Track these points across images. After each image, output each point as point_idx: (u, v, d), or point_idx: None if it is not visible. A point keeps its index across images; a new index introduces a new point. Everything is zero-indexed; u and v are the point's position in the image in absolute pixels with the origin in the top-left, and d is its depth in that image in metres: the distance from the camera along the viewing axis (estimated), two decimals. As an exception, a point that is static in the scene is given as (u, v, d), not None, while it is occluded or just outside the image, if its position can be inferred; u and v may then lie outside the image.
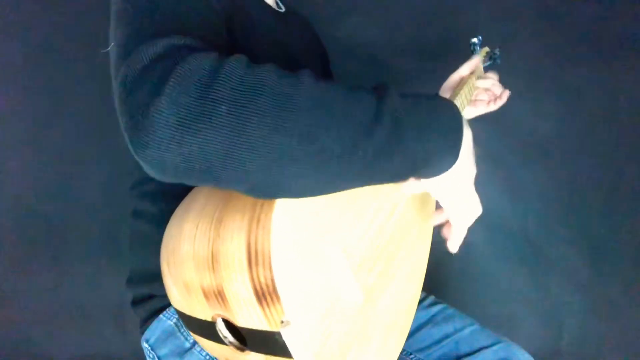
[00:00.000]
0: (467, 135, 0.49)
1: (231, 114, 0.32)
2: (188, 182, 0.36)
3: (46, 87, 1.26)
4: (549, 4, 1.23)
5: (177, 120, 0.31)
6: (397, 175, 0.44)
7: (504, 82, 0.97)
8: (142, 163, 0.34)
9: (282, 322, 0.37)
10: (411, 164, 0.43)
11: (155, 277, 0.52)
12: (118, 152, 1.25)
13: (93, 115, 1.27)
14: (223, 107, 0.32)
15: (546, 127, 1.24)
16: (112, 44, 0.41)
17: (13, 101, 1.27)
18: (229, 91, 0.33)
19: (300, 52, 0.76)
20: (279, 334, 0.37)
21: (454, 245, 0.58)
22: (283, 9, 0.79)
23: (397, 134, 0.39)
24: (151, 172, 0.35)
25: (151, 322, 0.62)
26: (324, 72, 0.93)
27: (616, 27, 1.21)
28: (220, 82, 0.33)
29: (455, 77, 0.88)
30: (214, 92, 0.32)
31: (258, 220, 0.38)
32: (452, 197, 0.53)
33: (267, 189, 0.36)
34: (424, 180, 0.50)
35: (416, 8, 1.26)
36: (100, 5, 1.25)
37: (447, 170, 0.48)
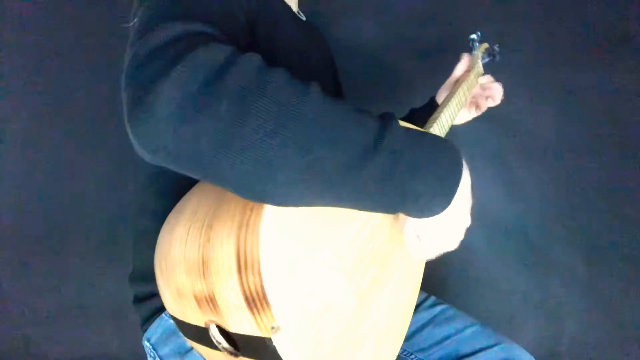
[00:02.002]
0: (465, 182, 0.47)
1: (231, 111, 0.32)
2: (176, 169, 0.35)
3: (46, 86, 1.26)
4: (549, 4, 1.23)
5: (177, 105, 0.31)
6: (384, 206, 0.42)
7: (504, 81, 0.97)
8: (134, 140, 0.34)
9: (272, 327, 0.37)
10: (400, 200, 0.41)
11: None
12: (118, 152, 1.26)
13: (93, 115, 1.27)
14: (224, 101, 0.32)
15: (546, 127, 1.24)
16: (135, 19, 0.41)
17: (13, 101, 1.26)
18: (233, 88, 0.32)
19: (315, 62, 0.77)
20: (269, 339, 0.37)
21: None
22: (304, 18, 0.80)
23: (392, 166, 0.38)
24: (141, 152, 0.35)
25: (153, 321, 0.62)
26: (335, 84, 0.93)
27: (616, 27, 1.21)
28: (227, 77, 0.33)
29: (451, 78, 0.88)
30: (219, 86, 0.32)
31: (247, 226, 0.38)
32: (433, 240, 0.49)
33: (252, 192, 0.36)
34: (410, 219, 0.48)
35: (416, 8, 1.26)
36: (101, 5, 1.25)
37: (436, 214, 0.45)
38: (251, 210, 0.38)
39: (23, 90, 1.26)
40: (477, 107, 0.86)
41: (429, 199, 0.43)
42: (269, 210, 0.38)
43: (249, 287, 0.37)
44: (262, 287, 0.36)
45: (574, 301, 1.26)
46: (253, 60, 0.35)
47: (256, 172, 0.34)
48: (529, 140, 1.25)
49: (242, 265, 0.37)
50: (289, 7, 0.72)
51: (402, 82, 1.27)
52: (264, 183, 0.34)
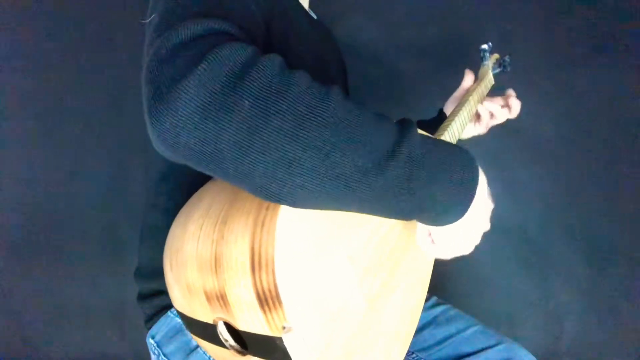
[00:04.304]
0: (482, 188, 0.47)
1: (253, 111, 0.32)
2: (195, 166, 0.36)
3: (47, 86, 1.26)
4: (549, 4, 1.24)
5: (200, 103, 0.32)
6: (400, 213, 0.42)
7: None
8: (154, 136, 0.34)
9: (283, 327, 0.37)
10: (417, 205, 0.41)
11: None
12: (119, 152, 1.26)
13: (94, 115, 1.26)
14: (247, 102, 0.32)
15: (546, 128, 1.24)
16: (153, 15, 0.41)
17: (13, 100, 1.26)
18: (256, 88, 0.33)
19: (328, 61, 0.76)
20: (280, 339, 0.37)
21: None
22: (315, 16, 0.80)
23: (410, 172, 0.38)
24: (161, 149, 0.35)
25: (158, 319, 0.62)
26: (344, 84, 0.93)
27: (616, 27, 1.22)
28: (251, 77, 0.33)
29: (459, 91, 0.87)
30: (242, 86, 0.32)
31: (262, 224, 0.38)
32: (447, 244, 0.49)
33: (270, 193, 0.36)
34: (426, 225, 0.48)
35: (416, 8, 1.26)
36: (102, 5, 1.25)
37: (450, 223, 0.45)
38: (267, 209, 0.38)
39: (23, 90, 1.26)
40: (493, 116, 0.84)
41: (446, 206, 0.43)
42: (285, 210, 0.38)
43: (262, 285, 0.36)
44: (275, 286, 0.36)
45: (574, 301, 1.26)
46: (275, 61, 0.35)
47: (275, 173, 0.34)
48: (528, 141, 1.25)
49: (256, 263, 0.37)
50: (301, 5, 0.72)
51: (402, 82, 1.27)
52: (282, 184, 0.34)
